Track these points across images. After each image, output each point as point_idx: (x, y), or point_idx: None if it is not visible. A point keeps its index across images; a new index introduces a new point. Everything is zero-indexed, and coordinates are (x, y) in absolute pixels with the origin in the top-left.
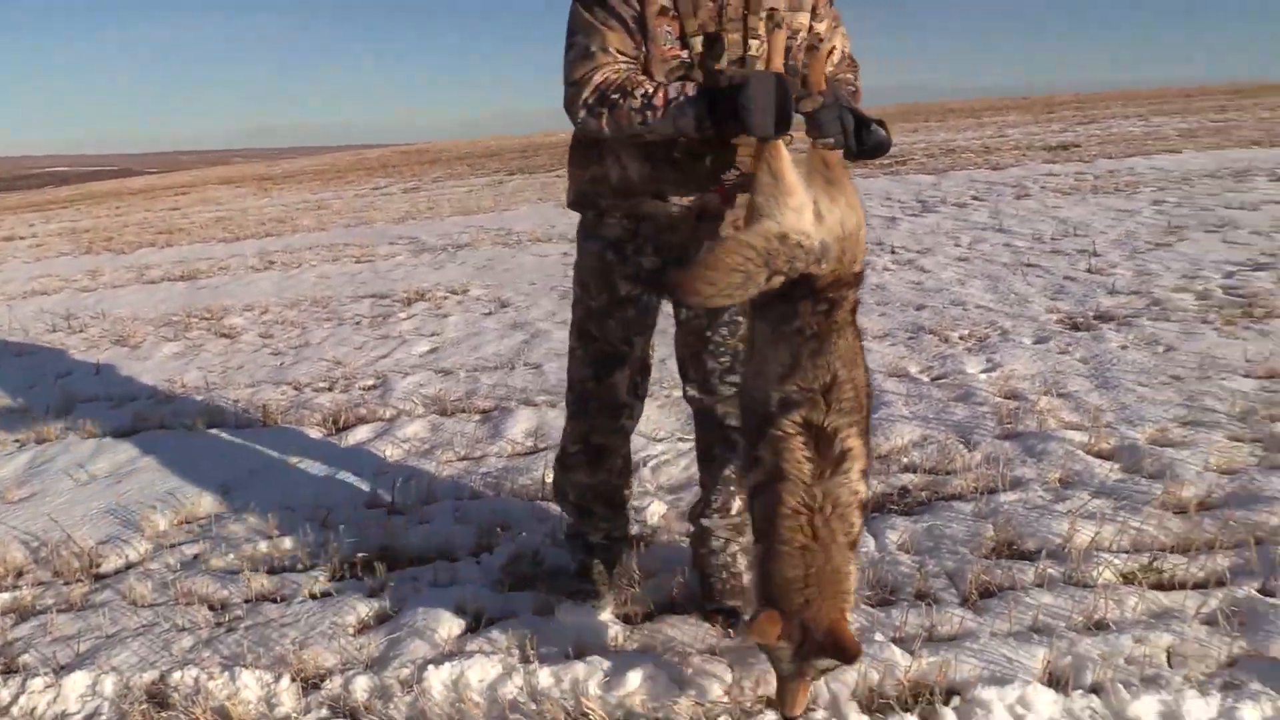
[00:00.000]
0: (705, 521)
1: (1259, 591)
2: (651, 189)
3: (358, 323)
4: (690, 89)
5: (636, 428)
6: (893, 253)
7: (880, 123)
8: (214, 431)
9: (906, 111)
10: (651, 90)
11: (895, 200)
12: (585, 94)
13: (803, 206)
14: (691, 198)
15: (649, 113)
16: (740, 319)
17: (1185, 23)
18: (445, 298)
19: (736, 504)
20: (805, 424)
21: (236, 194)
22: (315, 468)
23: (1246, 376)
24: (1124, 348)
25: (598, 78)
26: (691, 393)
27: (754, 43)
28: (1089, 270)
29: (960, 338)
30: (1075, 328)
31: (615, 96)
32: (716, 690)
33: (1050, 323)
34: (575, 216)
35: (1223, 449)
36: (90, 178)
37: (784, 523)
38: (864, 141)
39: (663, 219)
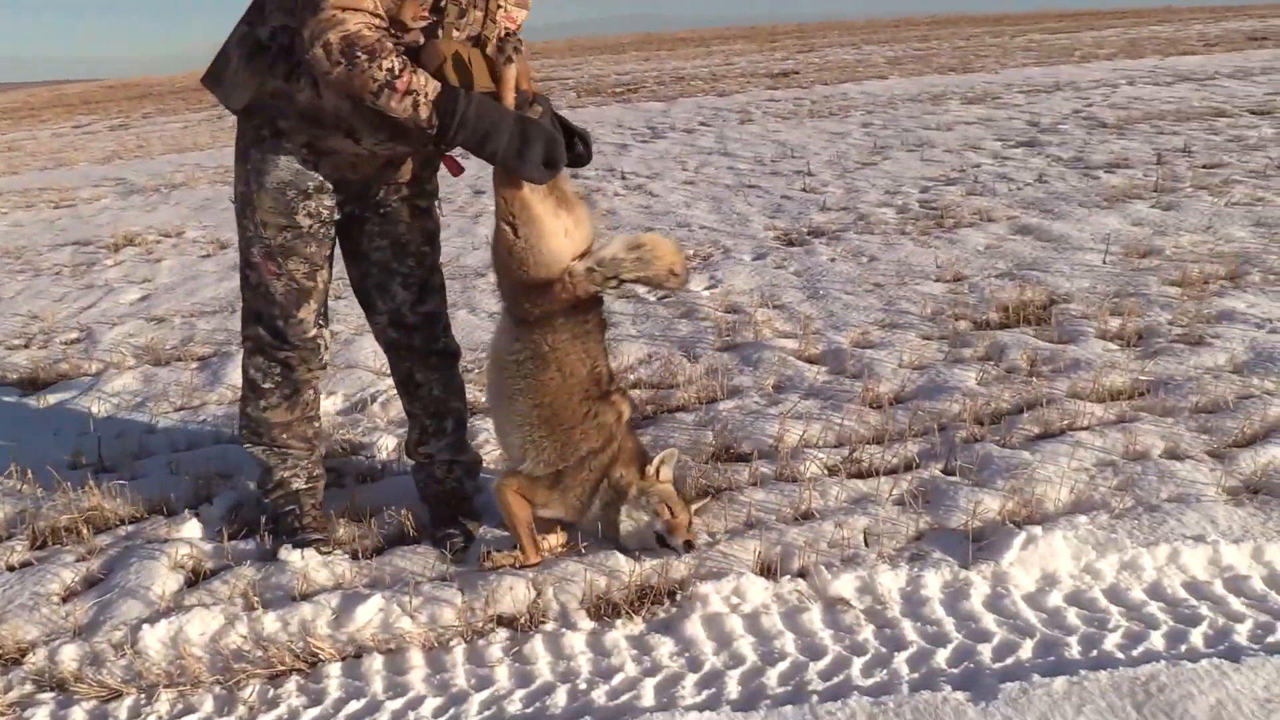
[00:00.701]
0: (423, 449)
1: (942, 472)
2: (345, 126)
3: (57, 273)
4: (430, 91)
5: (358, 359)
6: (623, 178)
7: (583, 135)
8: None
9: (639, 41)
10: (398, 69)
11: (626, 127)
12: (332, 35)
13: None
14: (387, 146)
15: (387, 91)
16: (428, 248)
17: None
18: (158, 241)
19: (449, 423)
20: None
21: None
22: (11, 431)
23: (937, 281)
24: (833, 260)
25: (352, 25)
26: (381, 324)
27: (491, 25)
28: (804, 189)
29: (687, 258)
30: (791, 243)
31: (362, 56)
32: (448, 615)
33: (768, 240)
34: None
35: (914, 347)
36: None
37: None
38: (573, 148)
39: (347, 157)
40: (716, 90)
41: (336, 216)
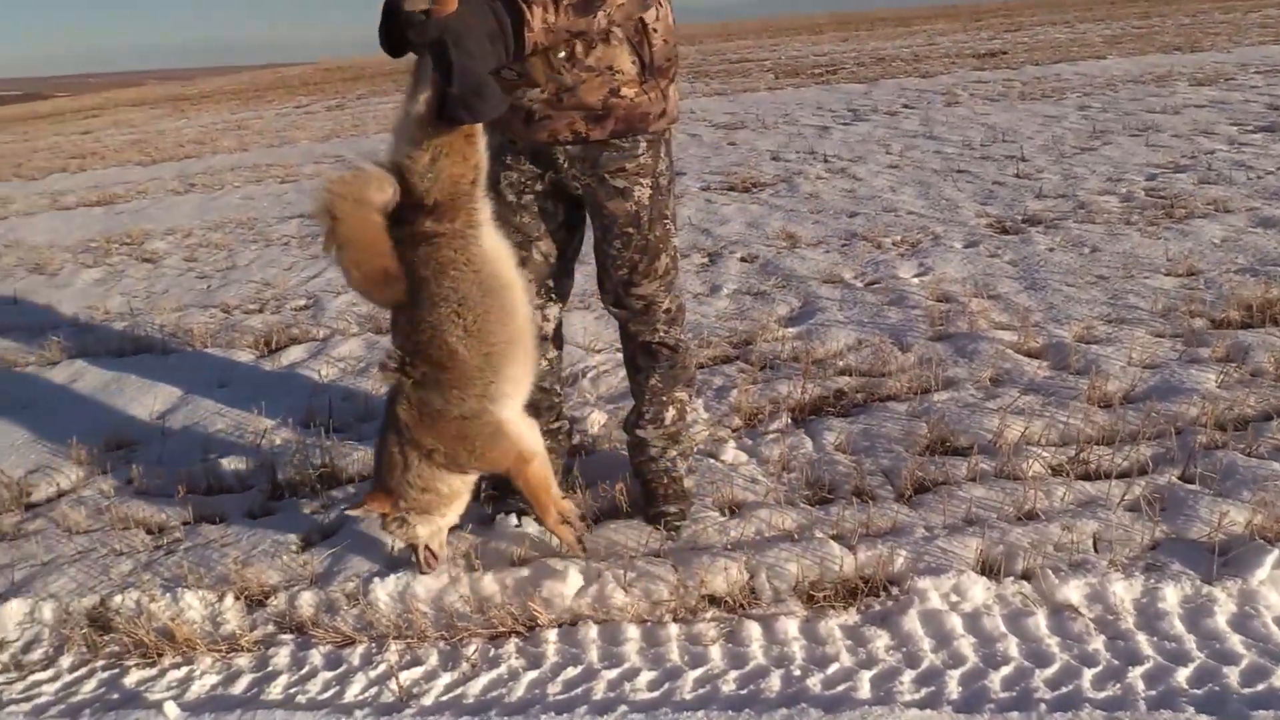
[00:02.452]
0: (640, 433)
1: (1179, 479)
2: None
3: (286, 243)
4: None
5: (568, 335)
6: (825, 161)
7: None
8: (142, 357)
9: (837, 21)
10: None
11: (827, 109)
12: None
13: None
14: (516, 94)
15: None
16: (631, 230)
17: None
18: None
19: (670, 413)
20: None
21: (151, 116)
22: (249, 389)
23: (1167, 275)
24: (1051, 250)
25: None
26: (605, 300)
27: None
28: (1017, 175)
29: (893, 244)
30: (1004, 231)
31: None
32: (662, 591)
33: (980, 227)
34: None
35: (1145, 344)
36: None
37: None
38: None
39: (500, 119)
40: (919, 71)
41: (542, 187)
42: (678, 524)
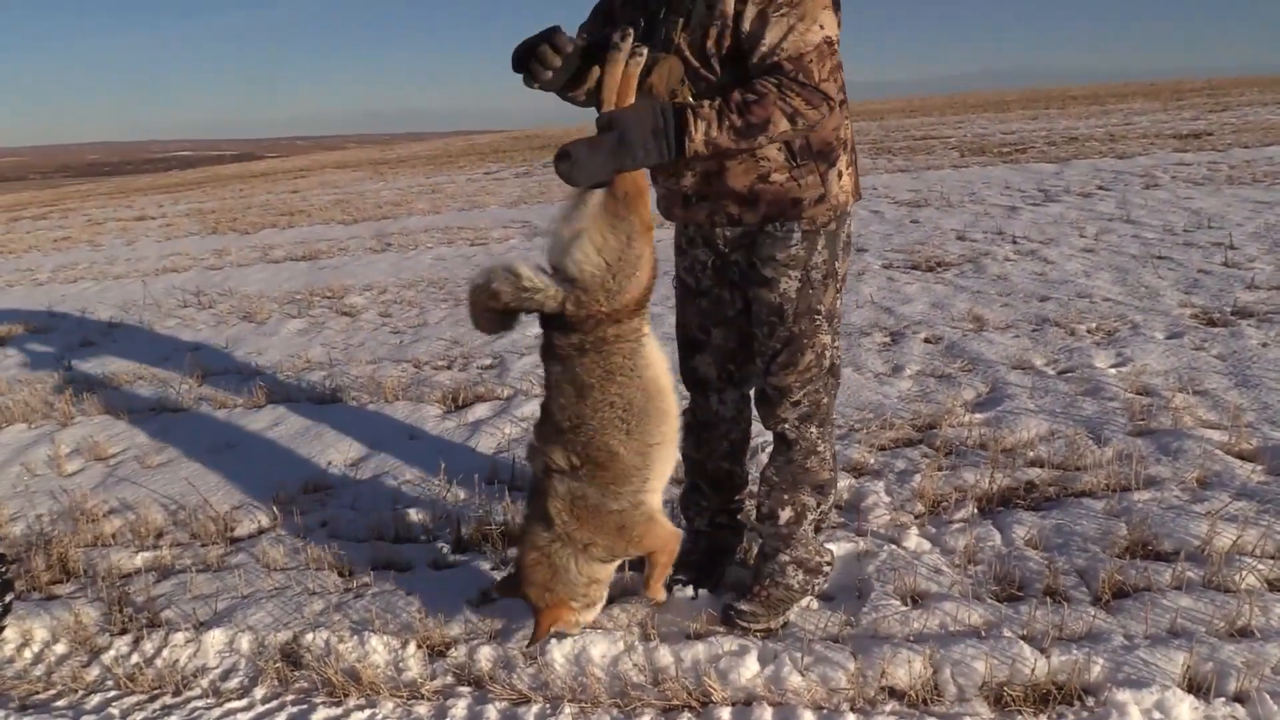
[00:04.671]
0: (756, 524)
1: None
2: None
3: None
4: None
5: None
6: (1014, 242)
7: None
8: (338, 406)
9: (1025, 98)
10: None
11: (1016, 189)
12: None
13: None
14: (671, 180)
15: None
16: (774, 320)
17: None
18: None
19: (785, 514)
20: None
21: (353, 177)
22: (436, 443)
23: None
24: (1265, 345)
25: None
26: (755, 387)
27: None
28: (1225, 264)
29: (1088, 331)
30: (1211, 323)
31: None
32: (840, 678)
33: (1184, 317)
34: None
35: None
36: (213, 161)
37: None
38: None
39: (663, 203)
40: (1115, 152)
41: (714, 273)
42: (749, 628)
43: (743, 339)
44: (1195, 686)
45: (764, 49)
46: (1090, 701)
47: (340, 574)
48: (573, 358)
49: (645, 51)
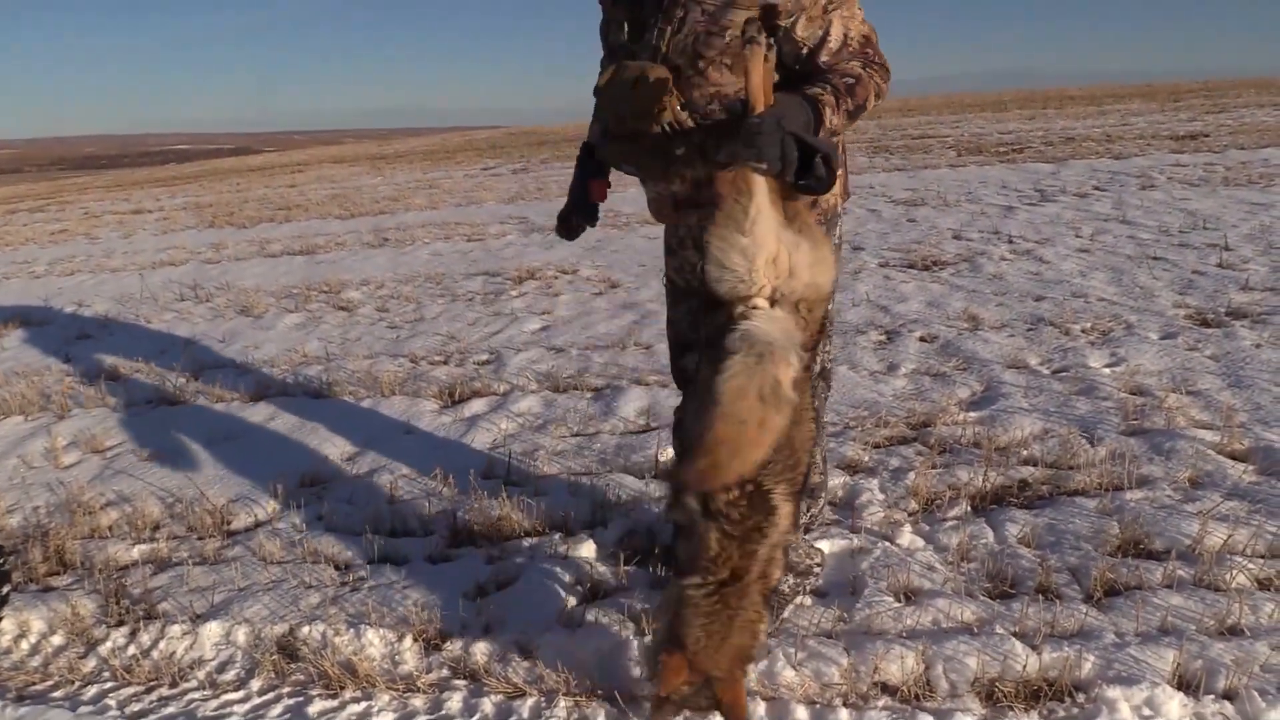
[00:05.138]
0: None
1: None
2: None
3: (470, 299)
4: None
5: None
6: (1010, 242)
7: (827, 157)
8: (335, 400)
9: (1023, 98)
10: None
11: (1012, 189)
12: None
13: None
14: (659, 184)
15: None
16: None
17: None
18: (556, 277)
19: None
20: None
21: (350, 172)
22: (432, 437)
23: None
24: (1258, 346)
25: None
26: None
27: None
28: (1220, 265)
29: (1082, 330)
30: (1205, 324)
31: None
32: (833, 673)
33: (1178, 318)
34: None
35: None
36: (210, 155)
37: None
38: (802, 177)
39: (653, 205)
40: (1111, 152)
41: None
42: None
43: None
44: (1185, 684)
45: (834, 44)
46: (1081, 698)
47: (337, 567)
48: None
49: (773, 42)
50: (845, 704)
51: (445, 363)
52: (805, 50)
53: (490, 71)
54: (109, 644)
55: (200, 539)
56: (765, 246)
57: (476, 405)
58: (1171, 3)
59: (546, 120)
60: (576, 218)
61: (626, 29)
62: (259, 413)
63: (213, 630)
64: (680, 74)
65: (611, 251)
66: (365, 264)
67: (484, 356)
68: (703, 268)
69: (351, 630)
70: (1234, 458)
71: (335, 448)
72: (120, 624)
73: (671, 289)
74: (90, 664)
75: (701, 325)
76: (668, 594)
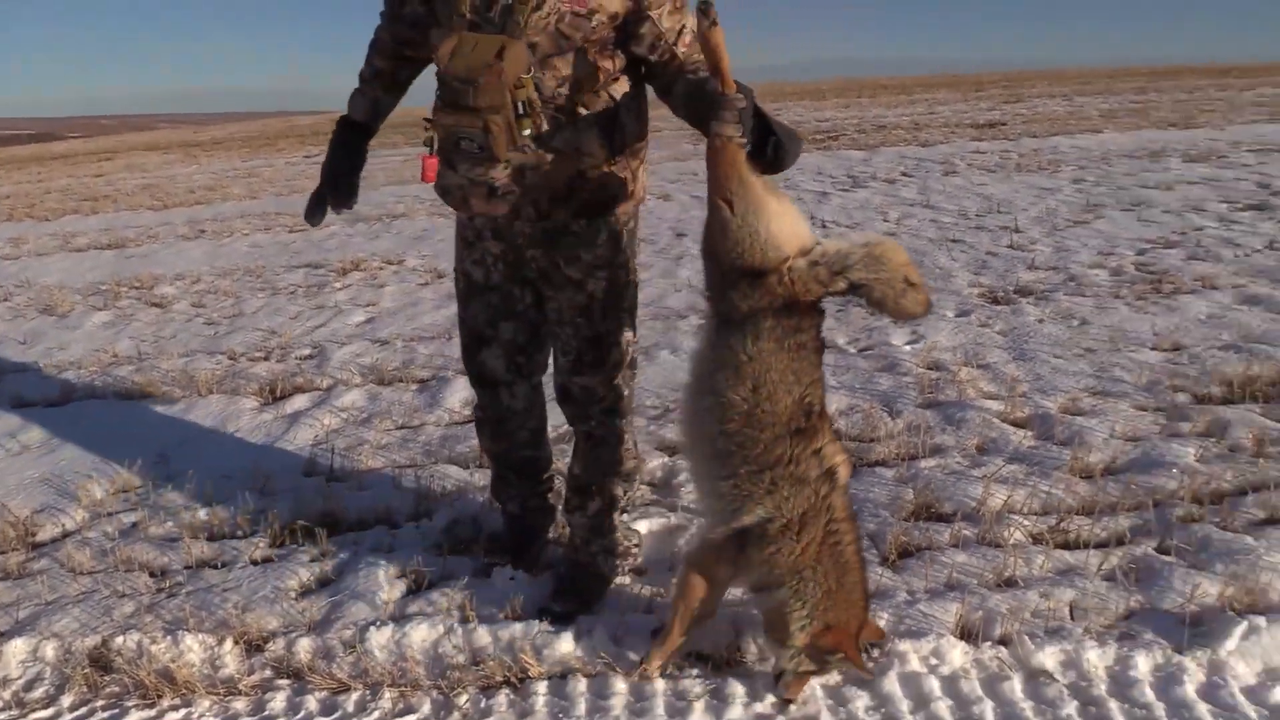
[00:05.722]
0: (566, 515)
1: (1155, 550)
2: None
3: (292, 293)
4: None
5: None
6: (824, 227)
7: (779, 141)
8: (149, 401)
9: (840, 87)
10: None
11: (827, 175)
12: None
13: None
14: (479, 170)
15: None
16: (580, 321)
17: (1110, 7)
18: (381, 268)
19: (594, 505)
20: (827, 443)
21: (164, 161)
22: (253, 436)
23: (1153, 349)
24: (1041, 321)
25: None
26: (555, 381)
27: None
28: (1010, 246)
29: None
30: (996, 301)
31: None
32: (646, 649)
33: (973, 297)
34: None
35: (1128, 417)
36: (7, 141)
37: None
38: (764, 152)
39: (455, 193)
40: (919, 140)
41: (506, 268)
42: (563, 622)
43: (533, 333)
44: (967, 633)
45: (688, 36)
46: (876, 653)
47: (152, 574)
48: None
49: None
50: (662, 675)
51: (266, 359)
52: (664, 41)
53: (316, 51)
54: None
55: (2, 553)
56: (788, 210)
57: (299, 401)
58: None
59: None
60: (337, 196)
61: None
62: (65, 417)
63: (17, 647)
64: (535, 53)
65: (438, 240)
66: (180, 258)
67: (306, 351)
68: (724, 234)
69: (169, 637)
70: (1016, 425)
71: (150, 451)
72: None
73: (467, 284)
74: None
75: (735, 297)
76: None
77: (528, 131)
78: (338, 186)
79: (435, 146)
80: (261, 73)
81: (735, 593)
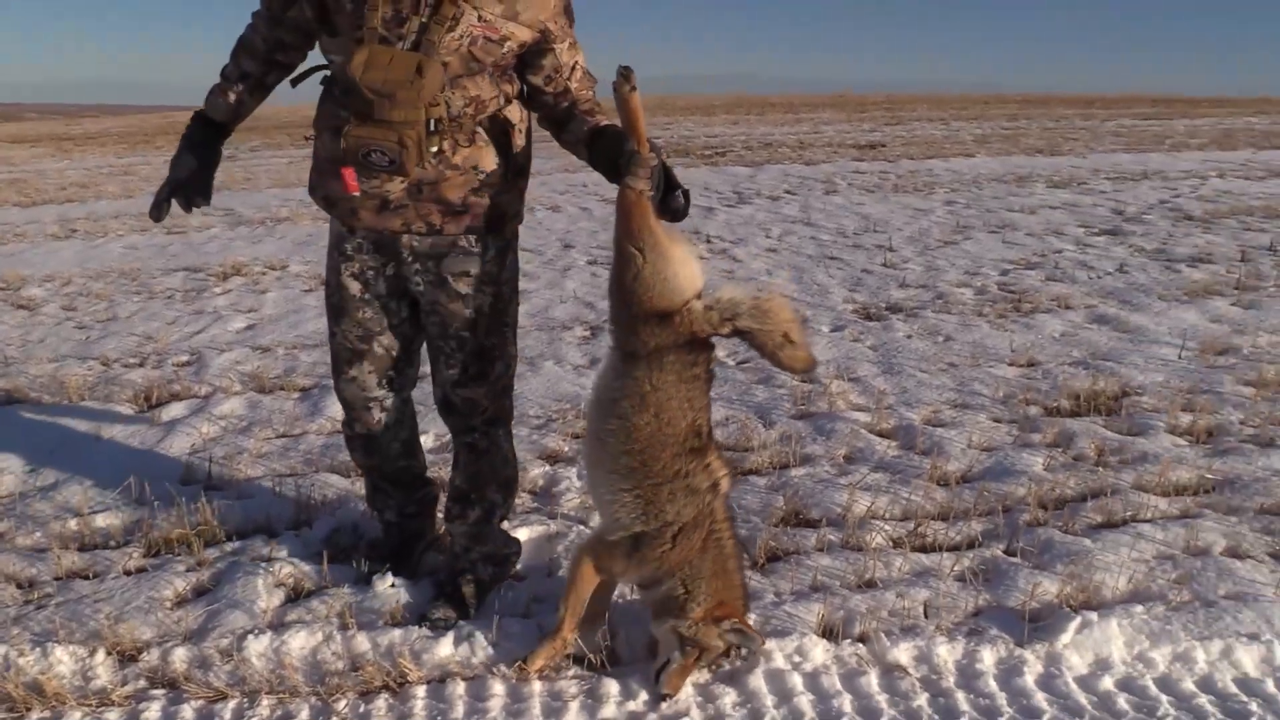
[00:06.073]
0: (448, 524)
1: (1004, 552)
2: (331, 168)
3: (170, 297)
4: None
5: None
6: (708, 242)
7: (686, 192)
8: (14, 408)
9: (730, 103)
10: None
11: (714, 191)
12: None
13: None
14: (373, 184)
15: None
16: (466, 334)
17: (998, 31)
18: (263, 273)
19: (475, 513)
20: (714, 459)
21: (32, 154)
22: (127, 445)
23: (1011, 365)
24: (909, 337)
25: None
26: (436, 394)
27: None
28: (884, 265)
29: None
30: (869, 317)
31: None
32: (526, 650)
33: (847, 312)
34: None
35: (984, 429)
36: None
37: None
38: (669, 205)
39: (346, 204)
40: (803, 159)
41: (385, 282)
42: (445, 628)
43: (405, 346)
44: (829, 632)
45: (579, 72)
46: (743, 652)
47: (19, 586)
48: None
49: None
50: (540, 678)
51: (141, 365)
52: (560, 75)
53: (196, 42)
54: None
55: None
56: (689, 257)
57: (175, 409)
58: (868, 19)
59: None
60: (189, 195)
61: (376, 14)
62: None
63: None
64: (446, 72)
65: (323, 246)
66: (50, 257)
67: (184, 358)
68: (635, 279)
69: (37, 649)
70: (882, 435)
71: (16, 460)
72: None
73: (342, 297)
74: None
75: (644, 334)
76: None
77: (435, 149)
78: (191, 185)
79: (345, 157)
80: (138, 64)
81: (613, 596)
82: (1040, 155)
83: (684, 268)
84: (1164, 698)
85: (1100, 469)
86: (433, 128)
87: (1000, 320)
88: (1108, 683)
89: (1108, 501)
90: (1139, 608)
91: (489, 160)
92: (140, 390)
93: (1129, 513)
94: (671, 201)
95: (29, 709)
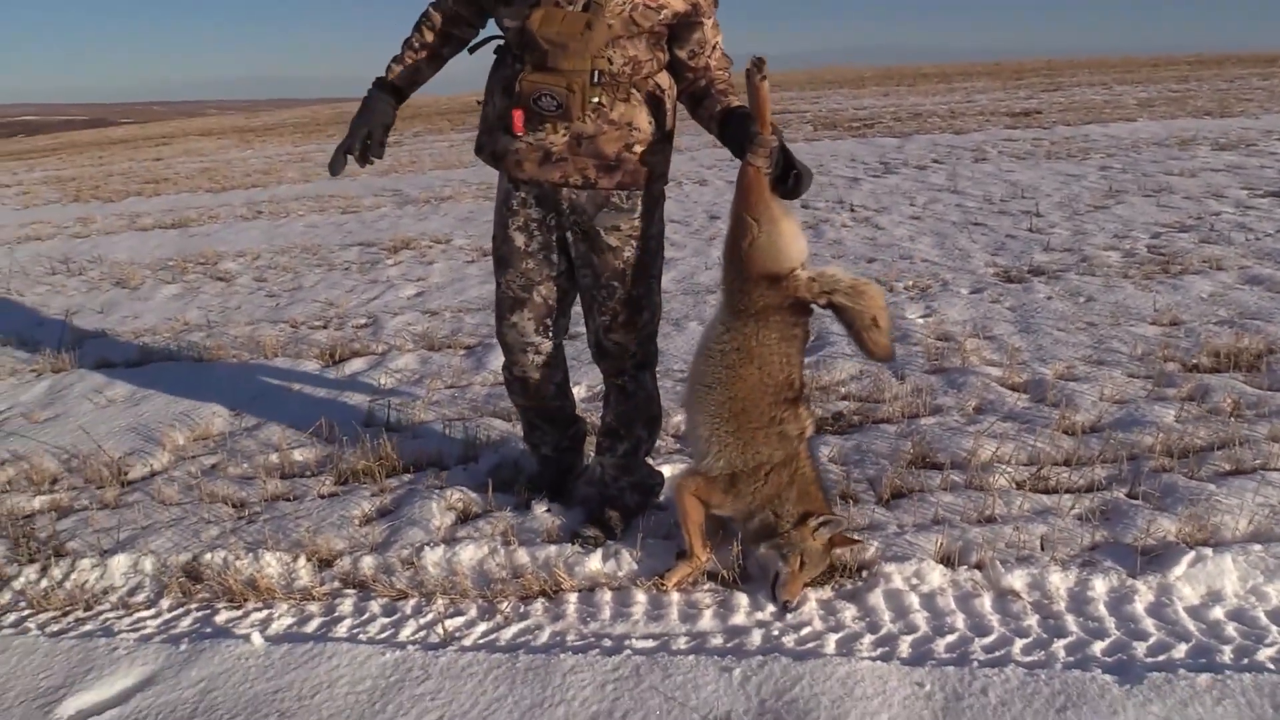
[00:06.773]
0: (598, 457)
1: (1125, 495)
2: (501, 123)
3: (347, 268)
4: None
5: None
6: (852, 210)
7: (799, 175)
8: (220, 363)
9: (880, 75)
10: None
11: (860, 161)
12: None
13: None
14: (538, 135)
15: None
16: (616, 284)
17: None
18: (430, 246)
19: (623, 447)
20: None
21: (218, 145)
22: (316, 393)
23: (1152, 324)
24: (1049, 298)
25: None
26: (589, 340)
27: None
28: (1030, 230)
29: (905, 287)
30: (1009, 280)
31: None
32: (664, 568)
33: (987, 276)
34: None
35: (1118, 383)
36: (62, 126)
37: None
38: (785, 183)
39: (512, 155)
40: (953, 128)
41: (547, 234)
42: (594, 545)
43: (561, 296)
44: (946, 559)
45: (719, 50)
46: (865, 574)
47: (233, 506)
48: None
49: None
50: (677, 590)
51: (325, 327)
52: (704, 50)
53: (358, 41)
54: (22, 579)
55: (99, 488)
56: (797, 231)
57: (356, 364)
58: None
59: (424, 92)
60: (366, 150)
61: None
62: (145, 376)
63: (121, 562)
64: (609, 33)
65: (484, 222)
66: (240, 236)
67: (362, 320)
68: (750, 246)
69: (250, 554)
70: (1013, 388)
71: (223, 405)
72: (31, 561)
73: (508, 249)
74: (5, 598)
75: (755, 294)
76: None
77: (596, 99)
78: (367, 141)
79: (518, 100)
80: (303, 61)
81: None
82: (1209, 117)
83: (793, 239)
84: (1274, 627)
85: (1234, 420)
86: (595, 79)
87: (1146, 282)
88: (1218, 613)
89: (1237, 451)
90: (1257, 546)
91: (642, 119)
92: (325, 348)
93: (1259, 461)
94: (788, 180)
95: (245, 600)
